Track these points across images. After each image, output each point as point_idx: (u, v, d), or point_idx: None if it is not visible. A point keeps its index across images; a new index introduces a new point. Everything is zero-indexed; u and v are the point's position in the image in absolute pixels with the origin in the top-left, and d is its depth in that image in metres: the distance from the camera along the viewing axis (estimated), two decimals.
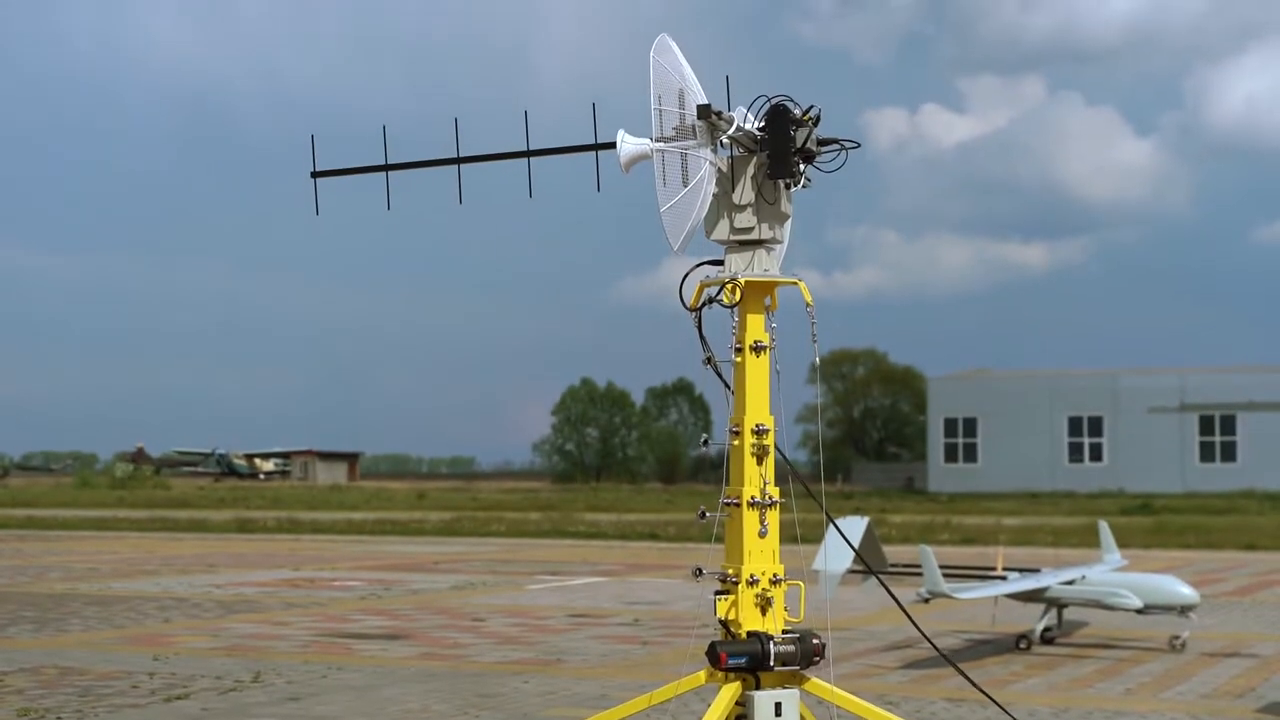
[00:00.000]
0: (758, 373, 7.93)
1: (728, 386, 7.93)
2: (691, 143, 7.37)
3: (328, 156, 8.32)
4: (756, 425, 7.83)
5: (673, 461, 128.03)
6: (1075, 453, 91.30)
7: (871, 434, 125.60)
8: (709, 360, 7.95)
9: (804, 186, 7.80)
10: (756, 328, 7.79)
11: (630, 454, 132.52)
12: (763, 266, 7.71)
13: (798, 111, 7.49)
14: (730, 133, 7.40)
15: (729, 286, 7.61)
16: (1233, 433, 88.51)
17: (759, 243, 7.69)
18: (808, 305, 7.72)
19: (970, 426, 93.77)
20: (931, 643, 9.09)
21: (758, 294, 7.76)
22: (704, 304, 7.74)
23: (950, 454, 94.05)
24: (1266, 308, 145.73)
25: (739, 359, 7.95)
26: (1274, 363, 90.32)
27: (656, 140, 7.38)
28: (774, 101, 7.48)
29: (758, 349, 7.92)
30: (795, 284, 7.73)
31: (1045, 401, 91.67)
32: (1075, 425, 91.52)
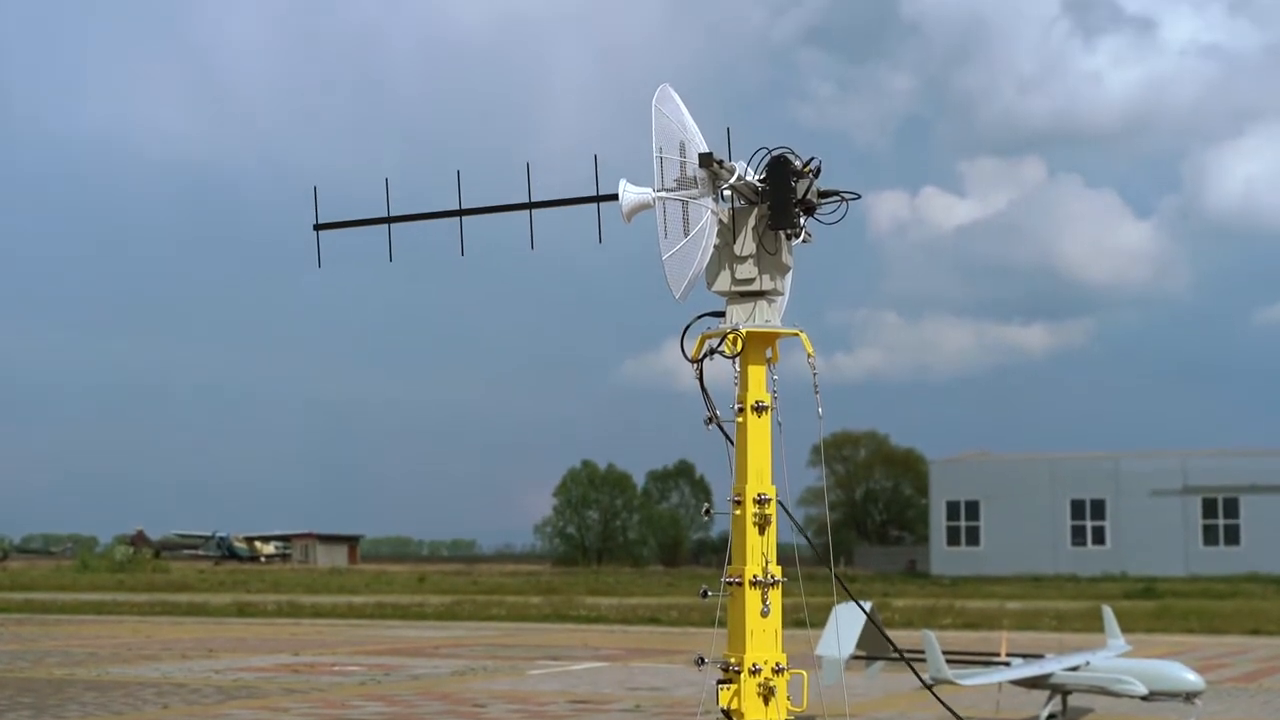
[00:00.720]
0: (759, 436, 7.90)
1: (730, 441, 7.91)
2: (693, 192, 7.39)
3: (332, 227, 8.33)
4: (758, 495, 7.80)
5: (674, 544, 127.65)
6: (1078, 536, 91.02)
7: (873, 517, 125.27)
8: (711, 420, 7.93)
9: (805, 241, 7.81)
10: (758, 383, 7.77)
11: (631, 537, 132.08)
12: (764, 317, 7.71)
13: (798, 163, 7.52)
14: (731, 182, 7.42)
15: (730, 337, 7.60)
16: (1236, 516, 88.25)
17: (760, 294, 7.69)
18: (809, 356, 7.72)
19: (972, 509, 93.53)
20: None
21: (759, 345, 7.75)
22: (705, 355, 7.73)
23: (953, 537, 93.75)
24: (1268, 390, 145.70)
25: (740, 419, 7.92)
26: (1276, 445, 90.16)
27: (658, 189, 7.40)
28: (775, 153, 7.51)
29: (759, 409, 7.89)
30: (797, 335, 7.73)
31: (1047, 484, 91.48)
32: (1078, 508, 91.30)
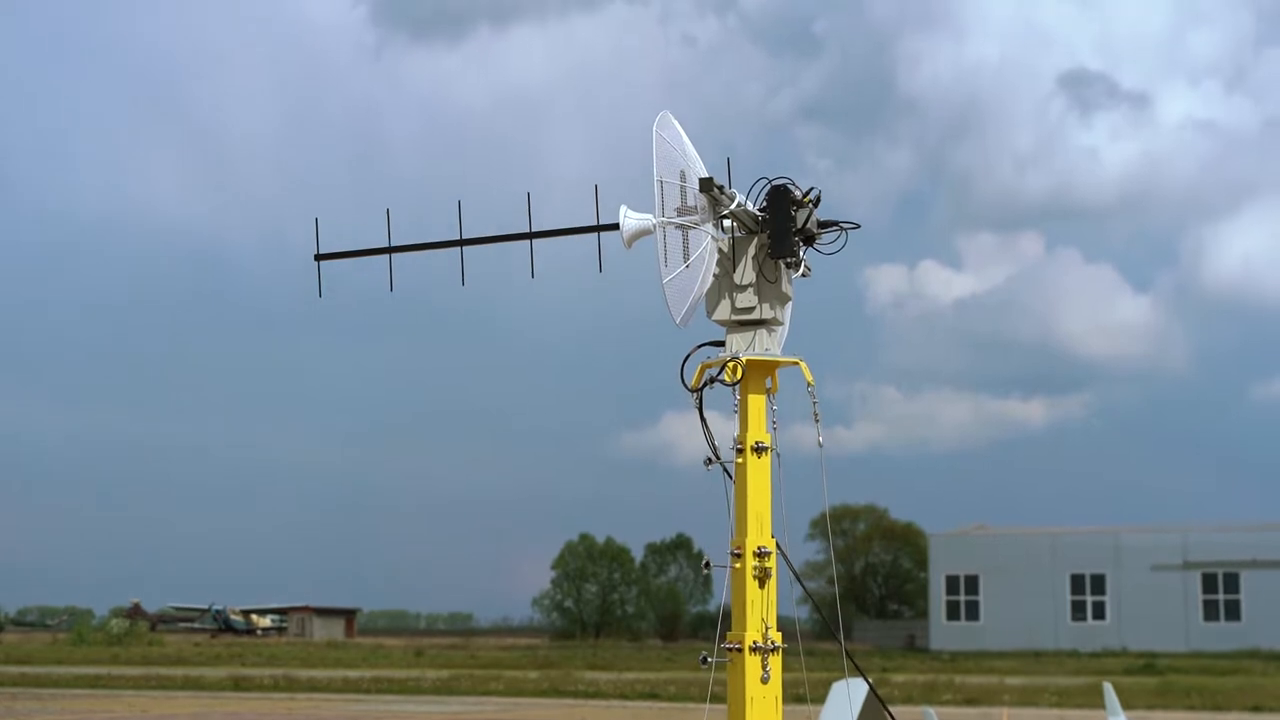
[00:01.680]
0: (759, 479, 7.88)
1: (729, 476, 7.88)
2: (694, 217, 7.42)
3: (333, 257, 8.34)
4: (758, 548, 7.78)
5: (672, 618, 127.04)
6: (1078, 610, 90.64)
7: (873, 591, 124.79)
8: (711, 461, 7.91)
9: (804, 275, 7.84)
10: (758, 413, 7.76)
11: (630, 610, 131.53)
12: (764, 346, 7.72)
13: (798, 193, 7.56)
14: (732, 208, 7.46)
15: (730, 365, 7.61)
16: (1236, 591, 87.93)
17: (760, 322, 7.71)
18: (809, 385, 7.72)
19: (972, 584, 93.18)
20: None
21: (759, 374, 7.75)
22: (705, 384, 7.73)
23: (952, 611, 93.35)
24: (1268, 465, 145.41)
25: (740, 460, 7.90)
26: (1276, 520, 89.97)
27: (659, 214, 7.43)
28: (775, 182, 7.55)
29: (759, 450, 7.88)
30: (796, 364, 7.74)
31: (1047, 559, 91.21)
32: (1078, 583, 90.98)
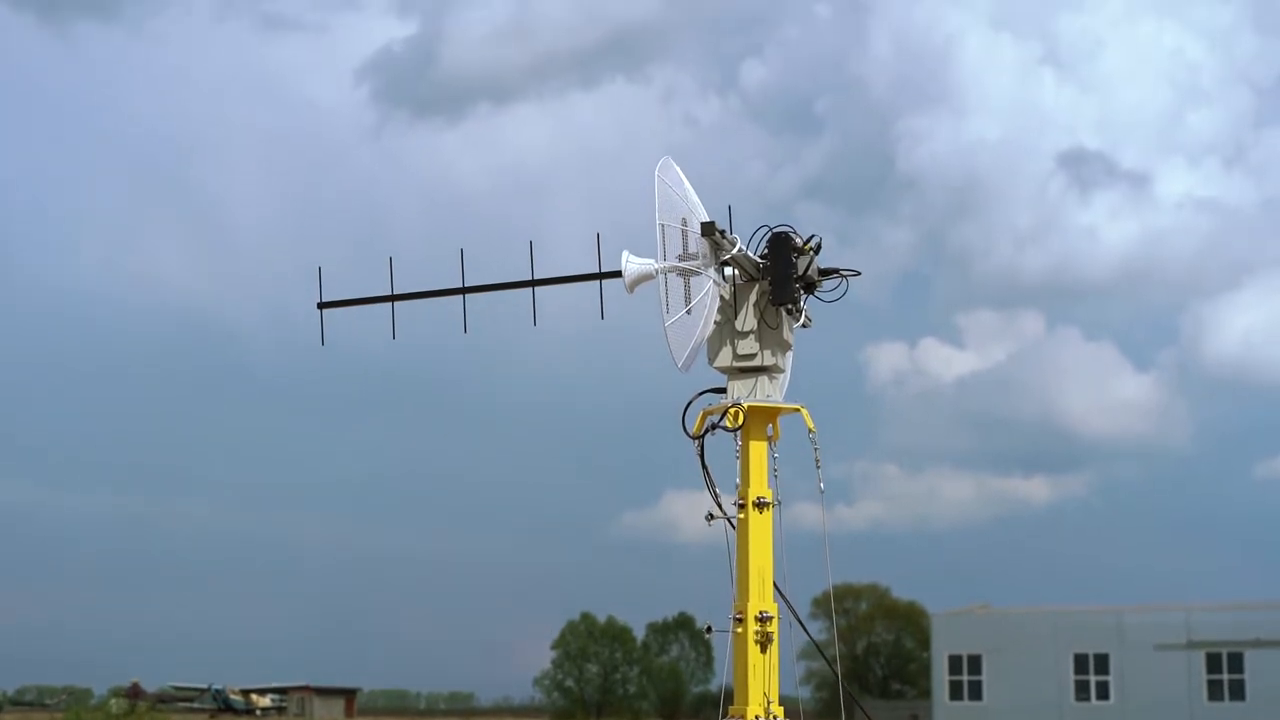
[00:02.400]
0: (760, 536, 7.90)
1: (731, 524, 7.89)
2: (695, 262, 7.48)
3: (337, 305, 8.38)
4: (760, 613, 7.79)
5: (674, 698, 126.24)
6: (1082, 690, 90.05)
7: (875, 671, 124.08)
8: (713, 516, 7.93)
9: (804, 325, 7.88)
10: (759, 461, 7.79)
11: (631, 690, 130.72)
12: (765, 392, 7.76)
13: (799, 240, 7.62)
14: (733, 254, 7.51)
15: (731, 411, 7.64)
16: (1241, 671, 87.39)
17: (761, 369, 7.76)
18: (810, 432, 7.75)
19: (975, 664, 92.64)
20: None
21: (760, 420, 7.78)
22: (706, 431, 7.77)
23: (955, 691, 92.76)
24: (1272, 543, 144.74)
25: (741, 515, 7.92)
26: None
27: (661, 259, 7.48)
28: (776, 230, 7.61)
29: (760, 505, 7.90)
30: (798, 410, 7.78)
31: (1050, 638, 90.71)
32: (1081, 663, 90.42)
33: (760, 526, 7.90)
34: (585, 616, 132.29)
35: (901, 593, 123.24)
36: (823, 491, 7.84)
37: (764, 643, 7.74)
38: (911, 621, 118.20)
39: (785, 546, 7.97)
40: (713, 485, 7.80)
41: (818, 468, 7.79)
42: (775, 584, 7.90)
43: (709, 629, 8.23)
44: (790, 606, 8.06)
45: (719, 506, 7.79)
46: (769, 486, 7.95)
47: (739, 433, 7.71)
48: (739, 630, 7.75)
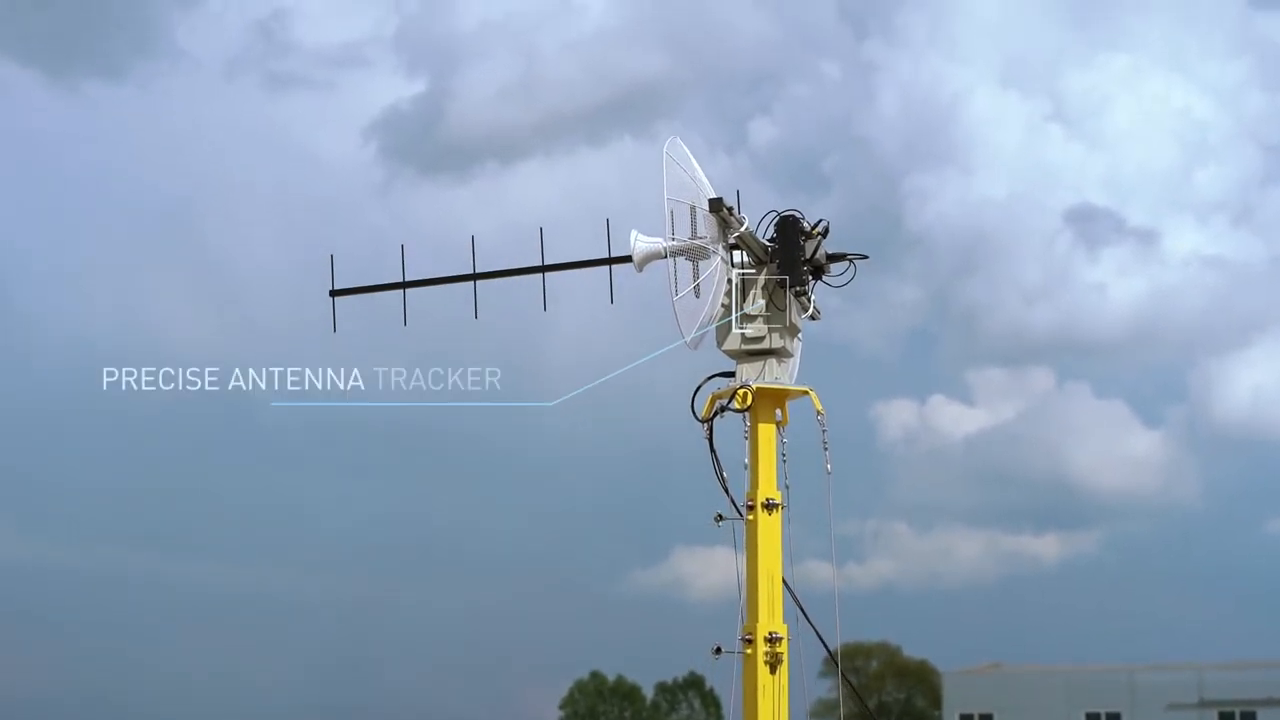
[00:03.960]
0: (770, 540, 7.91)
1: (740, 515, 7.90)
2: (704, 239, 7.53)
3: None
4: (770, 634, 7.81)
5: None
6: None
7: None
8: (722, 518, 7.96)
9: (813, 318, 7.93)
10: (768, 442, 7.82)
11: None
12: (773, 375, 7.79)
13: (807, 224, 7.68)
14: (741, 231, 7.57)
15: (740, 393, 7.68)
16: None
17: (770, 352, 7.79)
18: (818, 413, 7.78)
19: None
20: None
21: (769, 403, 7.82)
22: (715, 414, 7.80)
23: None
24: None
25: (750, 517, 7.94)
26: None
27: (669, 236, 7.54)
28: (784, 213, 7.67)
29: (769, 507, 7.92)
30: (806, 393, 7.81)
31: (1062, 697, 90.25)
32: None
33: (769, 528, 7.92)
34: (594, 675, 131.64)
35: (913, 651, 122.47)
36: (829, 473, 7.87)
37: (774, 664, 7.75)
38: (923, 680, 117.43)
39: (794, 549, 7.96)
40: (720, 470, 7.83)
41: (825, 449, 7.82)
42: (785, 581, 7.90)
43: (718, 650, 8.21)
44: (799, 604, 8.06)
45: (725, 489, 7.81)
46: (778, 489, 7.97)
47: (747, 414, 7.74)
48: (748, 652, 7.74)
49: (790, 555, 8.02)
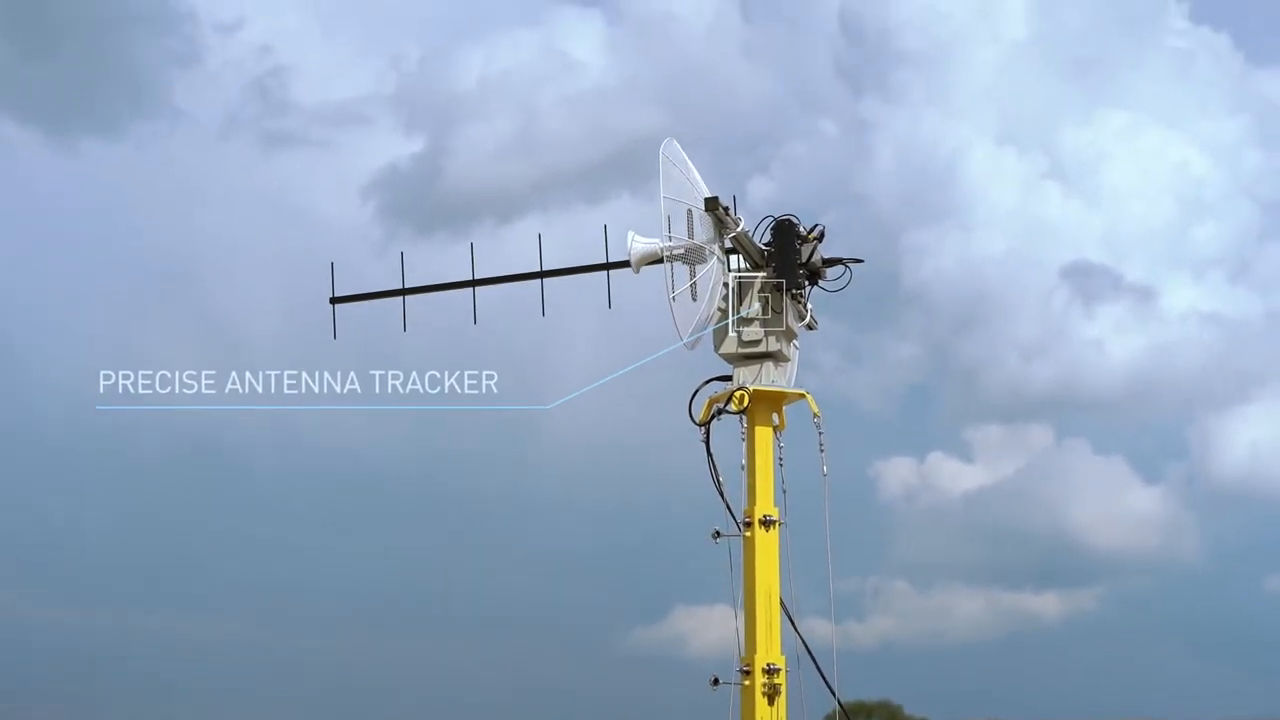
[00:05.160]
0: (767, 558, 7.92)
1: (736, 526, 7.90)
2: (700, 238, 7.57)
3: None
4: (768, 665, 7.82)
5: None
6: None
7: None
8: (719, 534, 7.97)
9: (810, 326, 7.97)
10: (765, 444, 7.84)
11: None
12: (770, 378, 7.82)
13: (803, 229, 7.73)
14: (737, 232, 7.61)
15: (737, 395, 7.71)
16: None
17: (767, 355, 7.82)
18: (815, 416, 7.81)
19: None
20: None
21: (765, 405, 7.84)
22: (713, 417, 7.82)
23: None
24: None
25: (748, 534, 7.96)
26: None
27: (666, 237, 7.58)
28: (780, 218, 7.73)
29: (767, 523, 7.94)
30: (803, 396, 7.85)
31: None
32: None
33: (767, 545, 7.94)
34: None
35: (914, 710, 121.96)
36: (825, 476, 7.89)
37: (771, 695, 7.74)
38: None
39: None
40: (717, 473, 7.86)
41: (821, 451, 7.86)
42: (781, 601, 7.91)
43: (715, 681, 8.21)
44: (794, 623, 8.06)
45: (721, 494, 7.82)
46: (776, 493, 7.99)
47: (744, 416, 7.77)
48: (746, 684, 7.74)
49: (790, 571, 8.03)
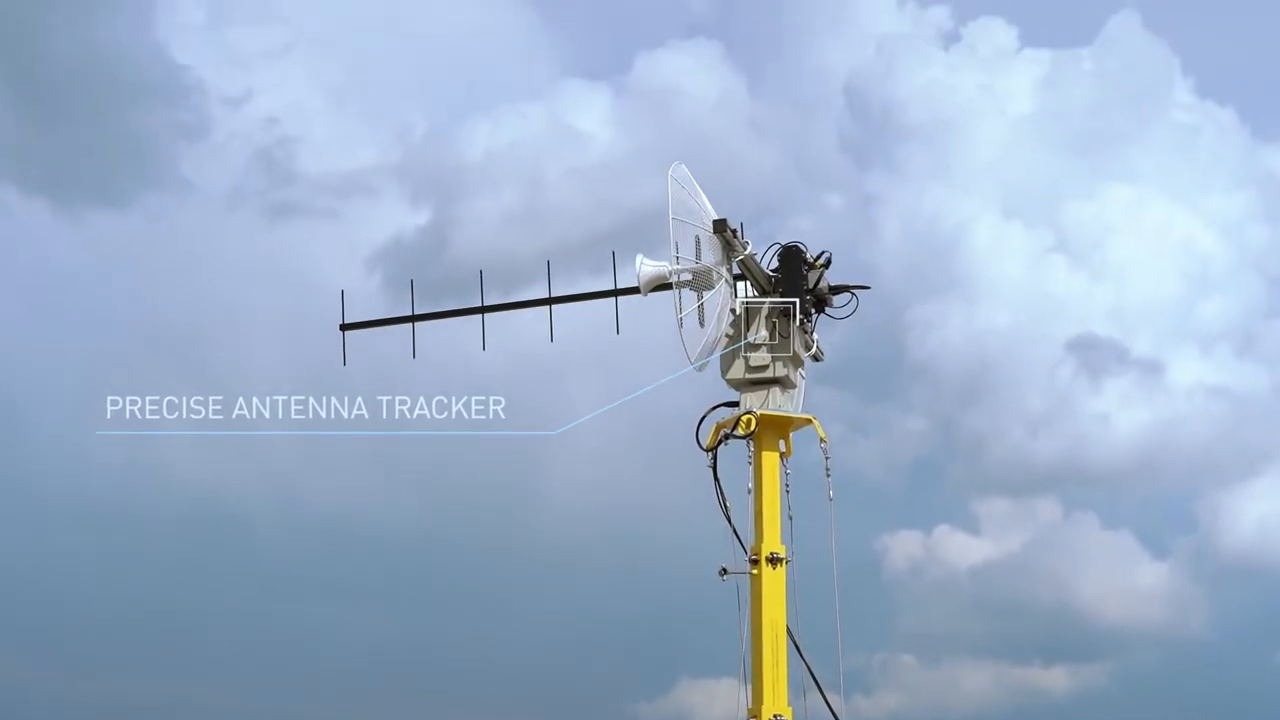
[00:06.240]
0: (774, 597, 7.93)
1: (744, 555, 7.91)
2: (708, 261, 7.62)
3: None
4: (774, 715, 7.82)
5: None
6: None
7: None
8: (725, 571, 7.99)
9: (816, 358, 8.02)
10: (771, 470, 7.85)
11: None
12: (777, 403, 7.85)
13: (810, 255, 7.78)
14: (744, 255, 7.66)
15: (744, 419, 7.73)
16: None
17: (774, 380, 7.85)
18: (821, 441, 7.84)
19: None
20: None
21: (772, 430, 7.86)
22: (720, 442, 7.85)
23: None
24: None
25: (755, 571, 7.97)
26: None
27: (674, 259, 7.63)
28: (787, 244, 7.78)
29: (774, 561, 7.95)
30: (809, 422, 7.87)
31: None
32: None
33: (774, 582, 7.94)
34: None
35: None
36: (831, 499, 7.91)
37: None
38: None
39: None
40: (724, 498, 7.88)
41: (828, 475, 7.88)
42: (789, 629, 7.90)
43: None
44: (803, 656, 8.05)
45: (728, 517, 7.84)
46: (782, 542, 8.00)
47: (750, 440, 7.79)
48: None
49: (797, 605, 8.03)
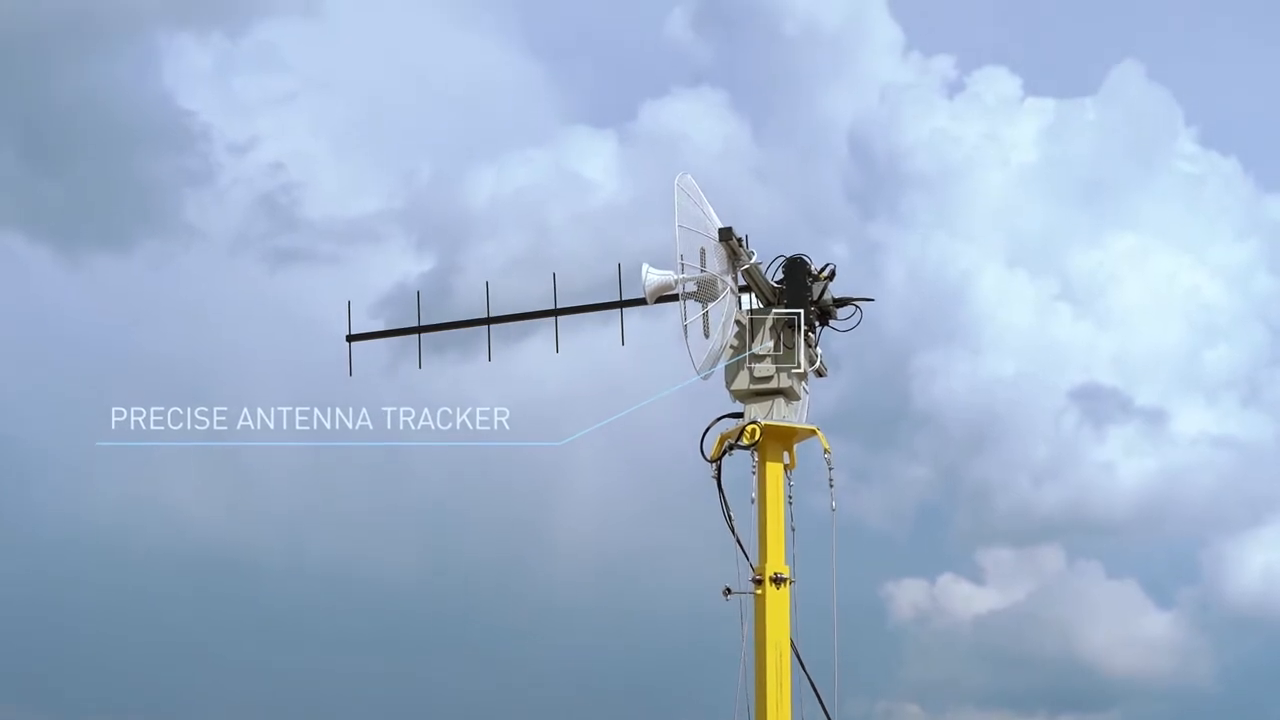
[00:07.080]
0: (778, 619, 7.93)
1: (749, 569, 7.91)
2: (714, 270, 7.66)
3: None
4: None
5: None
6: None
7: None
8: (729, 591, 7.99)
9: (820, 373, 8.05)
10: (775, 481, 7.87)
11: None
12: (781, 414, 7.87)
13: (814, 267, 7.83)
14: (749, 265, 7.71)
15: (748, 429, 7.76)
16: None
17: (778, 391, 7.88)
18: (825, 452, 7.86)
19: None
20: None
21: (776, 441, 7.88)
22: (724, 453, 7.87)
23: None
24: None
25: (759, 591, 7.97)
26: None
27: (680, 267, 7.67)
28: (791, 256, 7.83)
29: (778, 581, 7.96)
30: (813, 433, 7.90)
31: None
32: None
33: (778, 603, 7.94)
34: None
35: None
36: (834, 510, 7.92)
37: None
38: None
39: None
40: (728, 510, 7.89)
41: (831, 486, 7.90)
42: (794, 645, 7.89)
43: None
44: (809, 677, 8.04)
45: (732, 529, 7.85)
46: (785, 562, 8.00)
47: (754, 451, 7.82)
48: None
49: (798, 621, 8.02)
